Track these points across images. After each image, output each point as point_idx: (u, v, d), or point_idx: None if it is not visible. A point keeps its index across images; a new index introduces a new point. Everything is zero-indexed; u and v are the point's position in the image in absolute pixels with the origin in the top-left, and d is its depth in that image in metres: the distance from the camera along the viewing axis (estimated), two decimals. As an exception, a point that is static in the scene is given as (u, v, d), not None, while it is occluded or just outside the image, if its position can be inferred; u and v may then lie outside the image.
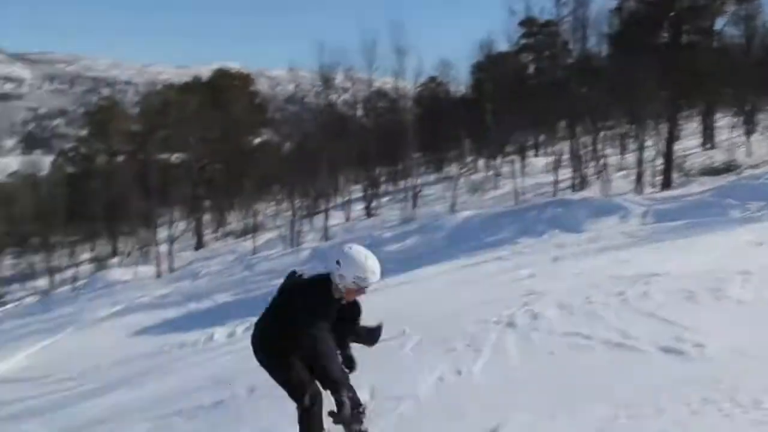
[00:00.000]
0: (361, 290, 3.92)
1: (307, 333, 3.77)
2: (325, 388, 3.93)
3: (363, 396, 4.25)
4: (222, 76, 47.57)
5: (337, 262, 3.85)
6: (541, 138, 44.66)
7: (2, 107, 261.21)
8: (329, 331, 3.86)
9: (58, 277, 35.63)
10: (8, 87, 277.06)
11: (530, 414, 4.22)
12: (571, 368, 5.12)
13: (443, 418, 4.61)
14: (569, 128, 31.92)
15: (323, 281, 3.97)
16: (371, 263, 3.85)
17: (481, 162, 44.98)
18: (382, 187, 42.17)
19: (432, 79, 51.10)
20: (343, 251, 3.92)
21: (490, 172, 39.19)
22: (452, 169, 42.58)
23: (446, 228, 21.25)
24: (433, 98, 49.56)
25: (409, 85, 45.00)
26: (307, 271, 4.29)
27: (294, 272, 4.30)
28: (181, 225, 39.59)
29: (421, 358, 6.22)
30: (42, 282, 34.90)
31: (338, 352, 4.01)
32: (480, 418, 4.35)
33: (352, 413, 3.72)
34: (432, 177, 43.20)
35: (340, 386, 3.68)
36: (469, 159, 46.58)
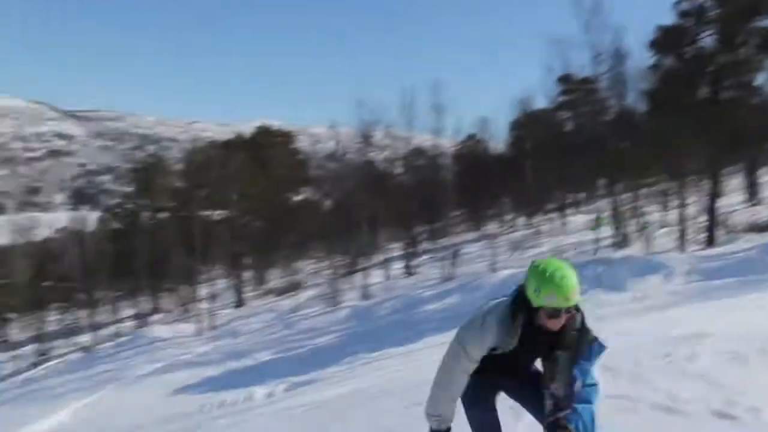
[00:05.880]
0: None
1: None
2: None
3: None
4: (264, 133, 48.35)
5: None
6: (581, 195, 44.46)
7: (54, 163, 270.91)
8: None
9: (100, 333, 35.88)
10: (60, 143, 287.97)
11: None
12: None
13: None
14: (609, 185, 31.59)
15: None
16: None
17: (520, 220, 44.82)
18: (422, 246, 41.98)
19: (471, 136, 51.67)
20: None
21: (530, 230, 38.98)
22: (491, 227, 42.47)
23: (486, 287, 20.88)
24: (472, 156, 49.98)
25: (447, 143, 45.49)
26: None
27: None
28: (222, 282, 39.89)
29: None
30: (85, 338, 35.19)
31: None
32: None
33: None
34: (471, 235, 42.84)
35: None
36: (508, 217, 46.43)
